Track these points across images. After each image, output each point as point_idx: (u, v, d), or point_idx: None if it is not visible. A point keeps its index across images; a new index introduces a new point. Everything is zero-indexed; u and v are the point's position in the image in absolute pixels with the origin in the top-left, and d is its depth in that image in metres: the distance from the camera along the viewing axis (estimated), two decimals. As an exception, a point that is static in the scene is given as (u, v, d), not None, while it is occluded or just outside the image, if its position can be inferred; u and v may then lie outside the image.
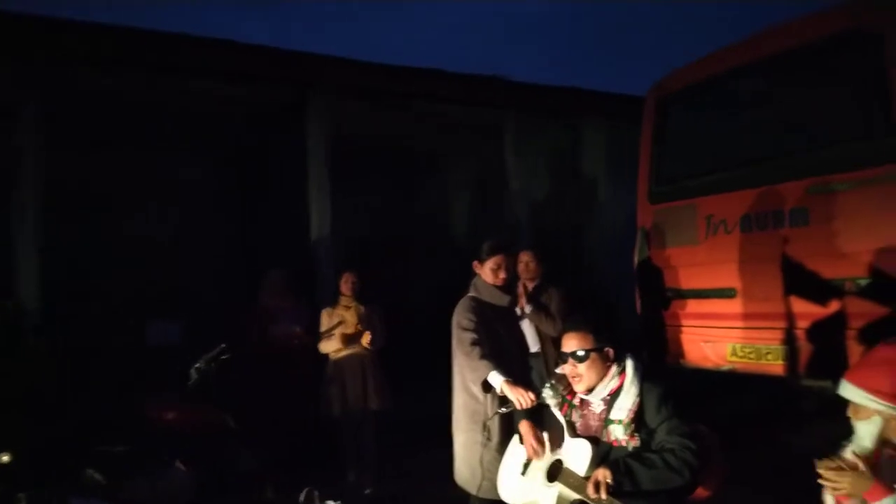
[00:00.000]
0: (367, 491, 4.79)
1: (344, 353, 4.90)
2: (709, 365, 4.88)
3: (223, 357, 4.56)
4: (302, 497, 3.79)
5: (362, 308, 4.98)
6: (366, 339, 4.82)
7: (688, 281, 4.98)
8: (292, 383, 5.17)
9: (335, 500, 3.75)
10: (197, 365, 4.49)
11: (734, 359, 4.69)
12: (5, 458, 3.35)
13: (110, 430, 4.03)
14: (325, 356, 4.99)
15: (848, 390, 2.06)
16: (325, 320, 5.00)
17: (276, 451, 4.83)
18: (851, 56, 4.13)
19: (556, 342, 4.12)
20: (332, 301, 5.09)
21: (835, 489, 2.00)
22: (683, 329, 5.04)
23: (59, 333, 5.64)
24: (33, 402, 4.44)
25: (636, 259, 5.35)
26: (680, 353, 5.06)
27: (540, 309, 4.38)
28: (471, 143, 8.92)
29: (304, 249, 6.80)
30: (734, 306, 4.64)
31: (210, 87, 6.67)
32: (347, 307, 4.99)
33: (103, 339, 6.25)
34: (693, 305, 4.96)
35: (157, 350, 6.09)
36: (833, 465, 1.99)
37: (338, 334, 4.89)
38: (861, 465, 1.96)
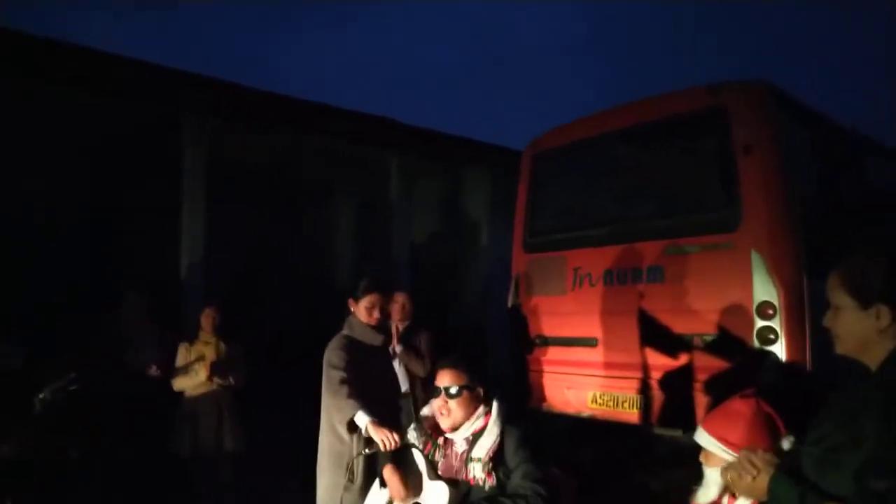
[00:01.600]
0: None
1: (199, 390, 4.67)
2: (571, 411, 5.09)
3: (72, 388, 4.22)
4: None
5: (223, 345, 4.79)
6: (213, 377, 4.64)
7: (554, 328, 5.20)
8: (145, 418, 4.84)
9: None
10: (41, 395, 4.12)
11: (594, 406, 4.91)
12: None
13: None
14: (179, 393, 4.73)
15: (702, 437, 2.20)
16: (183, 355, 4.76)
17: (124, 488, 4.49)
18: (704, 133, 4.58)
19: (425, 383, 4.18)
20: (192, 336, 4.87)
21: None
22: (548, 374, 5.24)
23: None
24: None
25: (509, 303, 5.54)
26: (544, 398, 5.25)
27: (410, 349, 4.42)
28: (357, 178, 8.96)
29: (171, 275, 6.47)
30: (595, 355, 4.89)
31: (83, 97, 6.27)
32: (207, 343, 4.78)
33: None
34: (558, 352, 5.18)
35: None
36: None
37: (201, 370, 4.66)
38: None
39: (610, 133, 5.05)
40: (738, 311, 4.14)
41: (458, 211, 9.31)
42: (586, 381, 4.95)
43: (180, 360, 4.75)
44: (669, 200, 4.74)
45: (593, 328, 4.88)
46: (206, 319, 4.82)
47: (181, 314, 5.95)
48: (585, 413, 4.97)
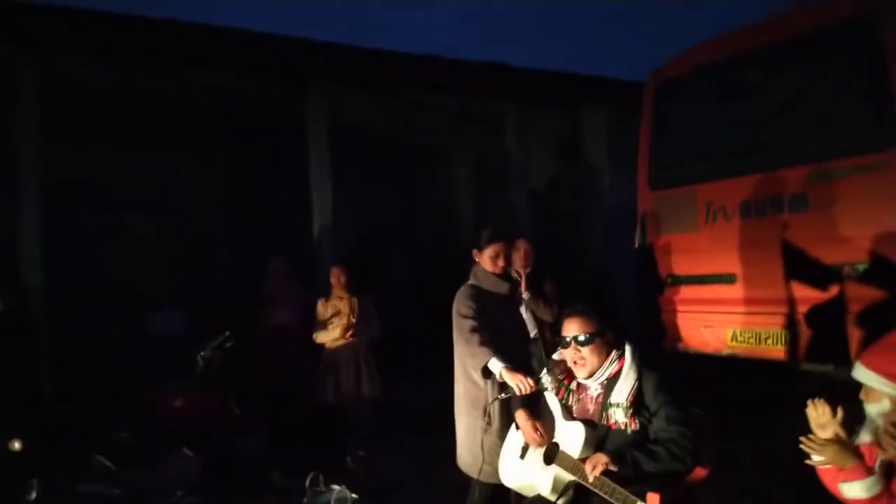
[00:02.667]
0: (367, 479, 4.86)
1: (338, 342, 4.98)
2: (708, 350, 4.92)
3: (227, 345, 4.64)
4: (308, 481, 3.84)
5: (355, 299, 5.05)
6: (355, 331, 4.87)
7: (687, 267, 5.01)
8: (291, 371, 5.25)
9: (340, 486, 3.81)
10: (202, 353, 4.57)
11: (734, 344, 4.73)
12: (17, 446, 3.41)
13: (118, 418, 4.09)
14: (319, 345, 5.06)
15: (862, 373, 2.09)
16: (321, 310, 5.10)
17: (279, 437, 4.90)
18: (851, 44, 4.14)
19: (553, 328, 4.17)
20: (327, 292, 5.17)
21: (817, 459, 2.06)
22: (683, 314, 5.08)
23: (63, 324, 5.69)
24: (40, 391, 4.51)
25: (636, 245, 5.39)
26: (679, 339, 5.11)
27: (538, 295, 4.42)
28: (472, 131, 8.92)
29: (306, 239, 6.83)
30: (734, 292, 4.67)
31: (207, 75, 6.65)
32: (341, 298, 5.09)
33: (107, 328, 6.31)
34: (692, 291, 4.99)
35: (161, 339, 6.14)
36: (820, 439, 2.04)
37: (336, 325, 4.97)
38: (845, 440, 2.02)
39: (741, 54, 4.71)
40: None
41: (576, 154, 9.06)
42: (725, 319, 4.77)
43: (319, 314, 5.06)
44: (811, 122, 4.37)
45: (730, 264, 4.66)
46: (334, 278, 5.13)
47: (315, 274, 6.30)
48: (725, 351, 4.79)
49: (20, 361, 4.33)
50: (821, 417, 2.06)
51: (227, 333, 4.68)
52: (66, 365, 5.35)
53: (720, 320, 4.80)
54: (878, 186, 3.89)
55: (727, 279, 4.71)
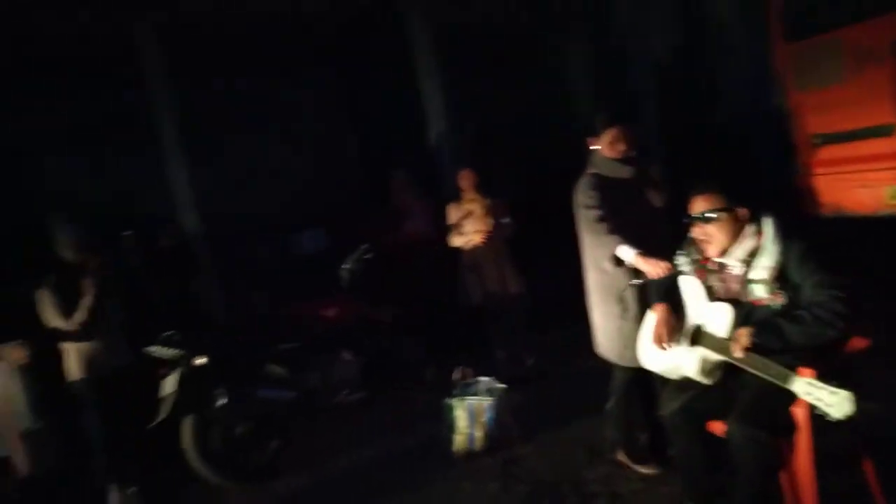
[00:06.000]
0: (531, 361, 5.06)
1: (476, 244, 5.06)
2: (864, 211, 4.54)
3: (366, 256, 4.91)
4: (456, 374, 4.08)
5: (487, 200, 5.08)
6: (491, 232, 4.95)
7: (835, 123, 4.58)
8: (426, 275, 5.45)
9: (487, 377, 4.01)
10: (345, 266, 4.87)
11: (894, 202, 4.33)
12: (203, 361, 3.89)
13: (282, 331, 4.52)
14: (457, 249, 5.18)
15: None
16: (454, 214, 5.16)
17: (427, 337, 5.19)
18: None
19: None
20: (457, 196, 5.22)
21: None
22: (833, 176, 4.69)
23: (220, 253, 6.24)
24: (209, 314, 5.06)
25: (774, 106, 4.96)
26: (830, 202, 4.74)
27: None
28: (584, 7, 8.36)
29: (423, 146, 6.89)
30: (892, 145, 4.22)
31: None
32: (472, 199, 5.11)
33: (258, 253, 6.87)
34: (843, 149, 4.58)
35: (307, 258, 6.58)
36: None
37: (469, 227, 5.04)
38: None
39: None
40: None
41: (700, 12, 8.27)
42: (882, 176, 4.34)
43: (452, 218, 5.16)
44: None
45: (886, 113, 4.19)
46: (464, 181, 5.13)
47: (438, 182, 6.38)
48: (883, 211, 4.40)
49: (190, 289, 4.84)
50: None
51: (365, 246, 4.94)
52: (228, 289, 5.91)
53: (877, 177, 4.38)
54: None
55: (884, 131, 4.26)
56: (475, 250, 5.08)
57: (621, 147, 3.12)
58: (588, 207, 3.05)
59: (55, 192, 6.68)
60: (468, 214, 5.09)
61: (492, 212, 5.06)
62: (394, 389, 4.80)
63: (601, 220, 2.99)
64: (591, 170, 3.17)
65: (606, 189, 3.08)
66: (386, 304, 4.98)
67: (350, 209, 7.37)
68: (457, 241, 5.13)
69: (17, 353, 3.76)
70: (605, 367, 3.30)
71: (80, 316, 3.78)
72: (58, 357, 3.90)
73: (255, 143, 7.87)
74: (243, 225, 7.14)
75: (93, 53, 6.81)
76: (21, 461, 3.85)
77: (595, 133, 3.16)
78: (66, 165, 7.58)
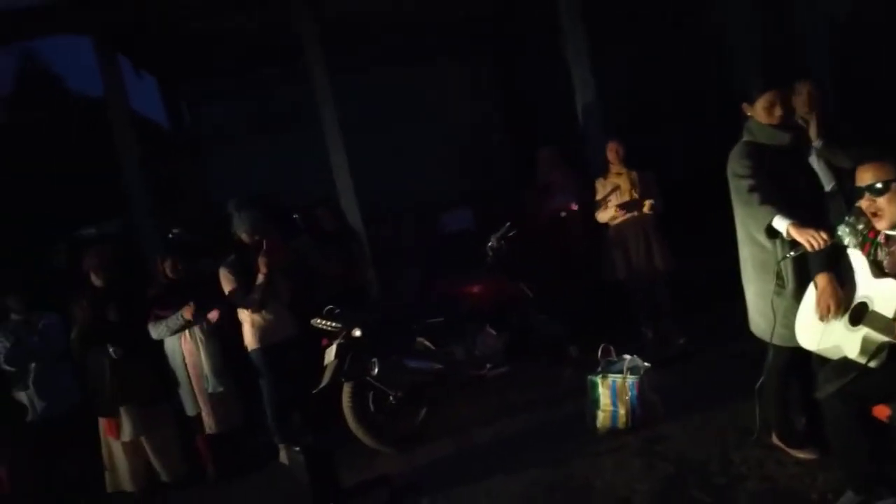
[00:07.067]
0: (681, 341, 4.92)
1: (623, 219, 4.96)
2: None
3: (510, 234, 4.99)
4: (600, 352, 4.06)
5: (634, 174, 4.95)
6: (647, 206, 4.83)
7: None
8: (571, 252, 5.43)
9: (631, 355, 3.96)
10: (490, 244, 4.99)
11: None
12: (357, 333, 4.19)
13: (430, 306, 4.74)
14: (603, 224, 5.10)
15: None
16: (600, 189, 5.08)
17: (571, 314, 5.19)
18: None
19: (854, 176, 3.65)
20: (604, 170, 5.13)
21: None
22: None
23: (375, 234, 6.60)
24: (365, 290, 5.39)
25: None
26: None
27: (831, 141, 3.86)
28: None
29: (569, 120, 6.79)
30: None
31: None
32: (619, 174, 5.00)
33: (409, 231, 7.18)
34: None
35: (454, 236, 6.78)
36: None
37: (615, 201, 4.95)
38: None
39: None
40: None
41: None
42: None
43: (598, 193, 5.09)
44: None
45: None
46: (611, 153, 5.04)
47: (585, 156, 6.27)
48: None
49: (350, 268, 5.18)
50: None
51: (508, 224, 5.02)
52: (382, 267, 6.25)
53: None
54: None
55: None
56: (621, 225, 4.99)
57: (778, 112, 2.95)
58: (741, 177, 2.90)
59: (233, 179, 7.44)
60: (615, 189, 5.00)
61: (639, 186, 4.93)
62: (536, 365, 4.87)
63: (754, 189, 2.83)
64: (746, 137, 3.02)
65: (762, 158, 2.91)
66: (530, 281, 5.03)
67: (497, 187, 7.48)
68: (603, 216, 5.06)
69: (213, 314, 4.29)
70: (759, 346, 3.14)
71: (255, 292, 4.22)
72: (238, 327, 4.39)
73: (407, 126, 8.21)
74: (396, 206, 7.52)
75: (261, 51, 7.46)
76: (208, 419, 4.37)
77: (749, 99, 3.00)
78: (242, 154, 8.42)
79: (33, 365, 4.47)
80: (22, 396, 4.49)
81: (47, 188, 7.65)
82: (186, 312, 4.19)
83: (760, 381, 3.09)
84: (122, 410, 4.21)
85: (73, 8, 5.83)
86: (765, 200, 2.80)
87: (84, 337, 4.22)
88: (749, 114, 3.05)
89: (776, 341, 2.97)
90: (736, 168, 2.96)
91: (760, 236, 2.88)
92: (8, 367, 4.41)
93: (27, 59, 16.27)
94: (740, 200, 2.95)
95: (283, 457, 4.29)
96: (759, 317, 3.08)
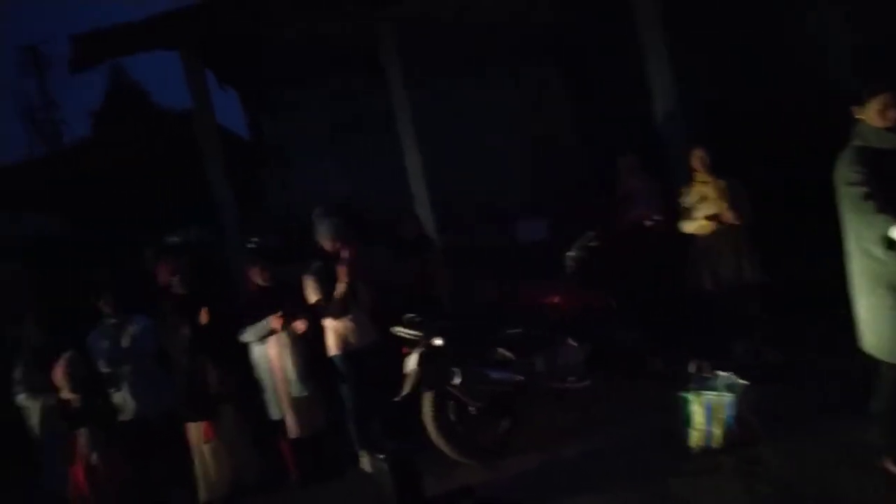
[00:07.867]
0: (773, 356, 4.68)
1: (709, 228, 4.76)
2: None
3: (592, 244, 4.88)
4: (692, 368, 3.89)
5: (722, 182, 4.74)
6: (727, 216, 4.62)
7: None
8: (653, 262, 5.26)
9: (726, 371, 3.78)
10: (571, 253, 4.90)
11: None
12: (438, 342, 4.17)
13: (509, 316, 4.67)
14: (689, 234, 4.91)
15: None
16: (685, 198, 4.90)
17: (654, 327, 5.01)
18: None
19: None
20: (688, 178, 4.94)
21: None
22: None
23: (450, 242, 6.59)
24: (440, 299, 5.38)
25: None
26: None
27: None
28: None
29: (649, 126, 6.60)
30: None
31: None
32: (705, 182, 4.80)
33: (482, 241, 7.13)
34: None
35: (531, 246, 6.69)
36: None
37: (701, 211, 4.75)
38: None
39: None
40: None
41: None
42: None
43: (683, 202, 4.90)
44: None
45: None
46: (696, 160, 4.85)
47: (669, 165, 6.07)
48: None
49: (429, 276, 5.18)
50: None
51: (591, 233, 4.91)
52: (457, 275, 6.22)
53: None
54: None
55: None
56: (709, 236, 4.79)
57: (892, 115, 2.79)
58: (853, 184, 2.74)
59: (314, 189, 7.59)
60: (701, 198, 4.81)
61: (727, 194, 4.72)
62: (619, 378, 4.73)
63: (869, 197, 2.66)
64: (856, 142, 2.85)
65: (875, 163, 2.74)
66: (611, 292, 4.90)
67: (571, 195, 7.34)
68: (688, 226, 4.87)
69: (300, 324, 4.38)
70: (867, 363, 2.94)
71: (335, 302, 4.28)
72: (322, 333, 4.45)
73: (482, 136, 8.20)
74: (470, 215, 7.49)
75: (340, 62, 7.60)
76: (291, 423, 4.44)
77: (860, 101, 2.83)
78: (322, 164, 8.61)
79: (126, 367, 4.64)
80: (116, 397, 4.67)
81: (139, 198, 8.01)
82: (275, 322, 4.28)
83: (877, 402, 2.89)
84: (221, 411, 4.37)
85: (169, 24, 6.10)
86: (881, 209, 2.64)
87: (190, 343, 4.39)
88: (859, 117, 2.88)
89: (892, 360, 2.78)
90: (847, 174, 2.80)
91: (876, 247, 2.71)
92: (107, 369, 4.59)
93: (116, 74, 17.24)
94: (853, 209, 2.79)
95: (365, 463, 4.31)
96: (872, 333, 2.89)
